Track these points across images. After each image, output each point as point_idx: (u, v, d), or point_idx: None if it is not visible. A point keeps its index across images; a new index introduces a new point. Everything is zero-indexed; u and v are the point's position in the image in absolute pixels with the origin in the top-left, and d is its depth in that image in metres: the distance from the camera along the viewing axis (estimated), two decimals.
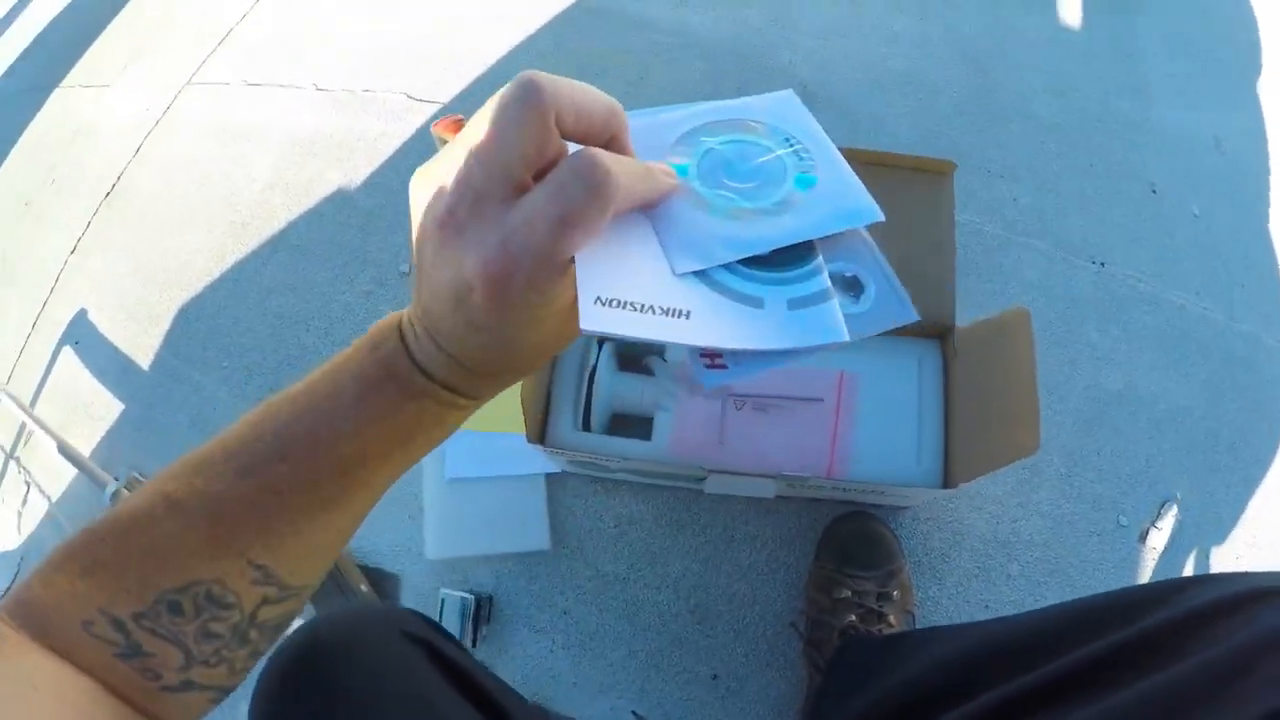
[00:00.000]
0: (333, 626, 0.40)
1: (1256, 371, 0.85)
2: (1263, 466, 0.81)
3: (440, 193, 0.24)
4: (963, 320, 0.70)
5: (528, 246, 0.22)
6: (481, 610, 0.82)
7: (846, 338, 0.25)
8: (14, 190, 1.46)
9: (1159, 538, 0.78)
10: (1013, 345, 0.62)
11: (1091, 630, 0.39)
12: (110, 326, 1.16)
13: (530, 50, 1.17)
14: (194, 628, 0.29)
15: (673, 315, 0.24)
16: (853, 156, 0.80)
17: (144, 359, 1.11)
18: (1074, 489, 0.81)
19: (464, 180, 0.23)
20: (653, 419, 0.74)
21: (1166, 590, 0.39)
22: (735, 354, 0.25)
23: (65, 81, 1.52)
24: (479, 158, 0.23)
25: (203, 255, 1.14)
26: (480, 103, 0.24)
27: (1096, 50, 1.03)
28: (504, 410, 0.87)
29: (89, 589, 0.28)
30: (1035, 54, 1.03)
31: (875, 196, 0.30)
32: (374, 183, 1.11)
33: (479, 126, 0.23)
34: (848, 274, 0.27)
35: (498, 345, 0.26)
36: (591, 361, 0.74)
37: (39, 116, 1.49)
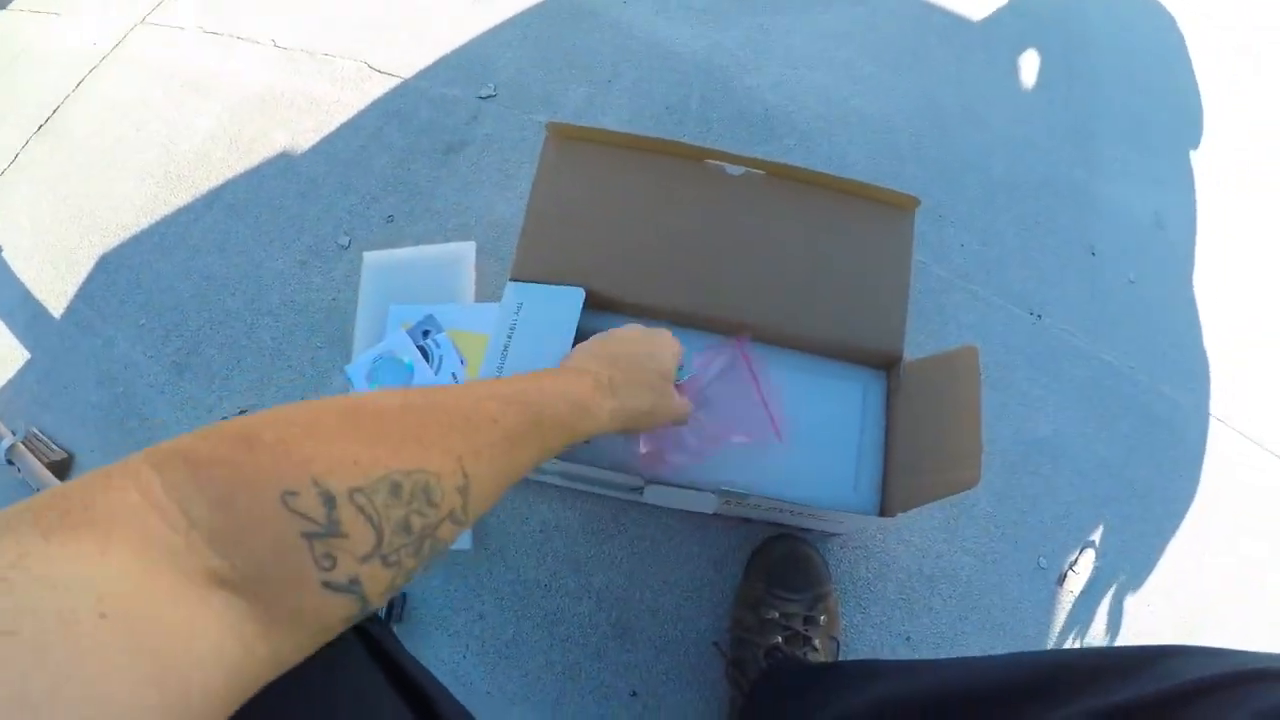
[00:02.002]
0: None
1: (1173, 432, 0.84)
2: (1174, 521, 0.81)
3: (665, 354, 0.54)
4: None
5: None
6: (394, 609, 0.74)
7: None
8: None
9: (1076, 581, 0.76)
10: (960, 382, 0.59)
11: (1053, 692, 0.35)
12: (24, 267, 1.02)
13: (498, 39, 1.08)
14: (398, 515, 0.26)
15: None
16: (821, 181, 0.77)
17: (56, 307, 0.98)
18: (998, 529, 0.79)
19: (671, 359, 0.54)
20: None
21: (1135, 659, 0.35)
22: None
23: (15, 4, 1.38)
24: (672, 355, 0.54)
25: (132, 204, 1.02)
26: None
27: (1056, 122, 1.03)
28: None
29: (305, 455, 0.24)
30: (997, 115, 1.02)
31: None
32: (320, 149, 1.00)
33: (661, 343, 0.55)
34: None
35: (648, 393, 0.50)
36: None
37: None
